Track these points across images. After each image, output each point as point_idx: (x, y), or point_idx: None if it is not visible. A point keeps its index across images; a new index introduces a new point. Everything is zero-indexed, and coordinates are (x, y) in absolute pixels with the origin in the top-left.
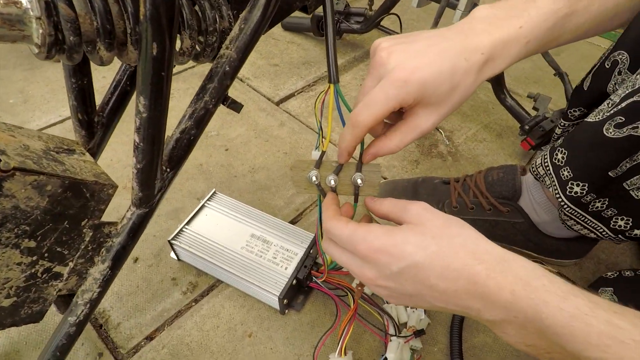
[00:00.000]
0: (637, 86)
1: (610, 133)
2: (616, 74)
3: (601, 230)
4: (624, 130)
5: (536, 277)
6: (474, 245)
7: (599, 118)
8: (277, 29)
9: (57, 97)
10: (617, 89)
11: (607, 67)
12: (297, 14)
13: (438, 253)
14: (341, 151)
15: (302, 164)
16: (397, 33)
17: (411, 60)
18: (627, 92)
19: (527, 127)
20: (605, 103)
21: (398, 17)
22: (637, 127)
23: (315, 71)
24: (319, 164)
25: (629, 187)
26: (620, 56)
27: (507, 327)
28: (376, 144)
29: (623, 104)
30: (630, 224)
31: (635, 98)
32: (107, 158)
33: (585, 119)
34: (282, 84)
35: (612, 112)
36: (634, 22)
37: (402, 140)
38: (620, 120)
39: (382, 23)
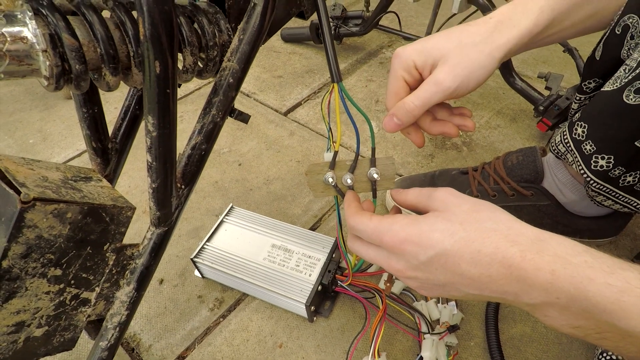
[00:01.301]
0: None
1: (631, 100)
2: (628, 38)
3: (635, 203)
4: None
5: (576, 254)
6: (505, 228)
7: (616, 86)
8: (278, 42)
9: (73, 133)
10: (631, 54)
11: (617, 33)
12: (295, 24)
13: (466, 239)
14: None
15: (316, 167)
16: (397, 31)
17: (417, 42)
18: None
19: (541, 108)
20: (621, 69)
21: (396, 14)
22: None
23: (319, 78)
24: (333, 165)
25: None
26: (630, 20)
27: (549, 310)
28: (397, 104)
29: None
30: None
31: None
32: (125, 185)
33: (602, 89)
34: (288, 95)
35: (630, 77)
36: None
37: (419, 95)
38: None
39: (381, 22)
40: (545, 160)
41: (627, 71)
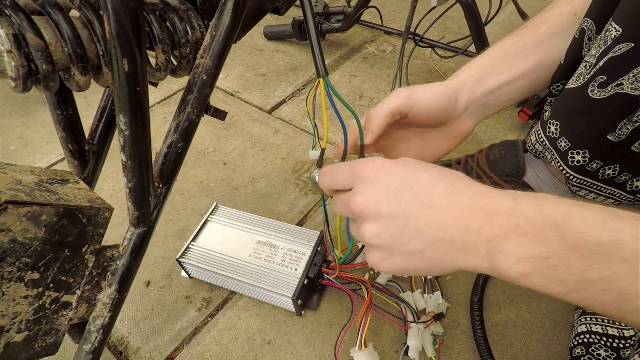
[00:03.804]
0: (609, 42)
1: (596, 94)
2: (586, 40)
3: (618, 194)
4: (609, 89)
5: (530, 192)
6: (468, 178)
7: (580, 82)
8: (261, 40)
9: (54, 138)
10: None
11: (576, 37)
12: (278, 21)
13: (440, 175)
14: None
15: (303, 166)
16: (379, 26)
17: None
18: (600, 50)
19: None
20: (581, 66)
21: (377, 9)
22: (621, 84)
23: (303, 75)
24: (320, 162)
25: (638, 149)
26: (585, 24)
27: (506, 244)
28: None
29: (600, 63)
30: None
31: (610, 54)
32: (109, 189)
33: (567, 86)
34: (272, 92)
35: (592, 73)
36: None
37: (382, 103)
38: (603, 79)
39: (363, 18)
40: (527, 156)
41: (587, 67)
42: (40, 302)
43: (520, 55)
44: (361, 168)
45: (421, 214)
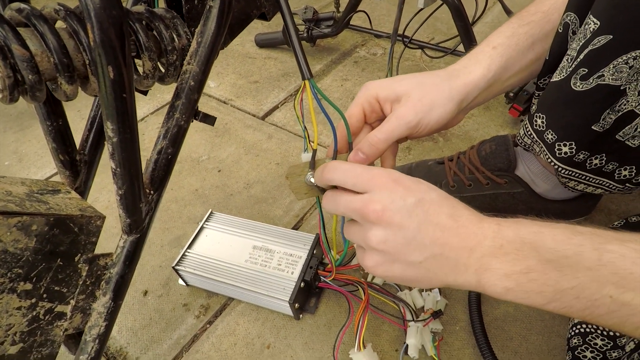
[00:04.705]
0: (588, 35)
1: (579, 87)
2: (570, 34)
3: (607, 184)
4: (591, 81)
5: (510, 218)
6: (463, 203)
7: (563, 75)
8: (253, 48)
9: (49, 152)
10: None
11: (560, 31)
12: (269, 29)
13: (445, 195)
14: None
15: (296, 169)
16: (369, 30)
17: (384, 79)
18: (581, 43)
19: (511, 94)
20: (564, 60)
21: (366, 14)
22: (602, 75)
23: (295, 81)
24: (313, 164)
25: (623, 138)
26: (569, 17)
27: (492, 262)
28: (362, 139)
29: (581, 56)
30: (635, 170)
31: (590, 47)
32: (104, 200)
33: (551, 80)
34: (265, 99)
35: (573, 66)
36: None
37: (383, 129)
38: (584, 72)
39: (353, 22)
40: (517, 150)
41: (569, 61)
42: (34, 313)
43: (529, 47)
44: (381, 177)
45: (428, 229)
